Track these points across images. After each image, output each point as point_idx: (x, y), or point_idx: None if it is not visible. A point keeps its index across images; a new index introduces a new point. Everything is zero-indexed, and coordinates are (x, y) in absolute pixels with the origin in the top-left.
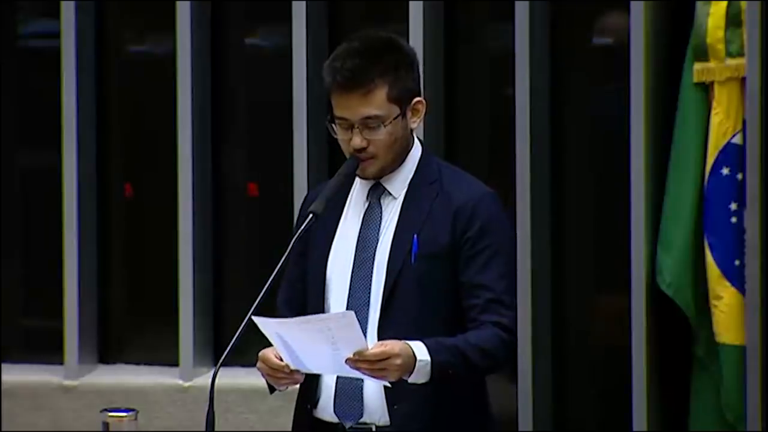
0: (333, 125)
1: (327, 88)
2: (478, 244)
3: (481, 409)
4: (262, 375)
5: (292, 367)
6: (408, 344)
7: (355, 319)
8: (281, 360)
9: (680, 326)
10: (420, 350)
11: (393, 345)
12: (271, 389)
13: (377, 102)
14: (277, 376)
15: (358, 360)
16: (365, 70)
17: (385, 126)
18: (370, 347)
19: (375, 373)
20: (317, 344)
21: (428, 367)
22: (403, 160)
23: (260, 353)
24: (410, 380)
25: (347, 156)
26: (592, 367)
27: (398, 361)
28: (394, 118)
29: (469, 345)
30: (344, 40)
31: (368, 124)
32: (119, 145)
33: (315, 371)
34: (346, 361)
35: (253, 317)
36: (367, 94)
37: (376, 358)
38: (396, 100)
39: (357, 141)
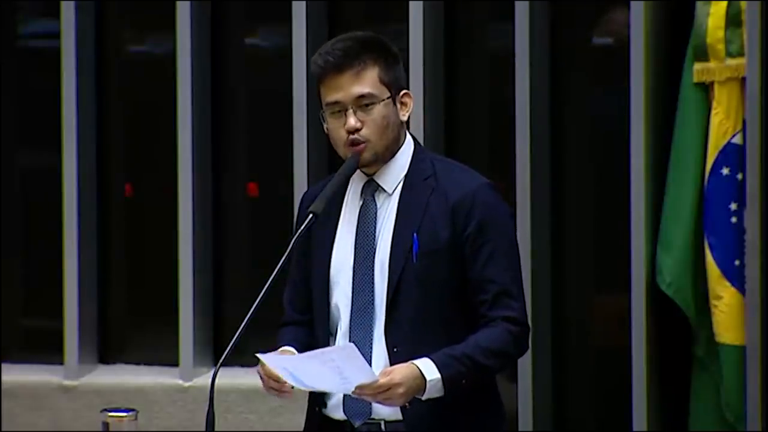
0: (324, 116)
1: (317, 76)
2: (480, 240)
3: (492, 404)
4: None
5: (297, 387)
6: (415, 365)
7: (357, 350)
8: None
9: (680, 326)
10: (429, 369)
11: (394, 375)
12: None
13: (370, 81)
14: (270, 385)
15: (361, 393)
16: (356, 50)
17: (378, 104)
18: (377, 356)
19: (380, 401)
20: (325, 375)
21: (439, 384)
22: (395, 152)
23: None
24: (424, 398)
25: (340, 152)
26: (592, 367)
27: (400, 390)
28: (386, 99)
29: (479, 349)
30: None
31: (362, 103)
32: (119, 145)
33: (327, 390)
34: (352, 393)
35: (258, 355)
36: (359, 72)
37: (378, 390)
38: (386, 84)
39: (351, 121)
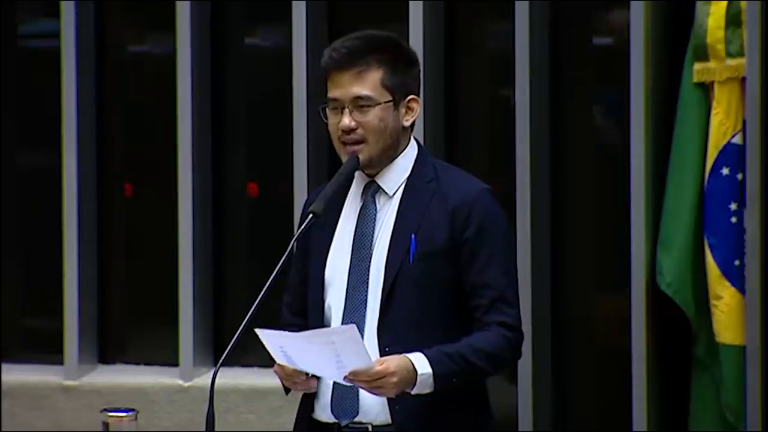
0: (325, 110)
1: (323, 68)
2: (478, 244)
3: (481, 407)
4: (279, 377)
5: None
6: (408, 358)
7: (358, 333)
8: None
9: (680, 326)
10: (421, 363)
11: (389, 364)
12: (287, 390)
13: (370, 83)
14: (294, 381)
15: (355, 379)
16: (362, 50)
17: (375, 108)
18: (372, 359)
19: (372, 390)
20: (321, 358)
21: (430, 379)
22: (395, 155)
23: None
24: (413, 392)
25: (337, 147)
26: (592, 368)
27: (394, 379)
28: (385, 103)
29: (473, 350)
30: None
31: (359, 104)
32: (119, 145)
33: (317, 374)
34: (344, 379)
35: (255, 329)
36: (360, 73)
37: (372, 377)
38: (389, 89)
39: (346, 121)
